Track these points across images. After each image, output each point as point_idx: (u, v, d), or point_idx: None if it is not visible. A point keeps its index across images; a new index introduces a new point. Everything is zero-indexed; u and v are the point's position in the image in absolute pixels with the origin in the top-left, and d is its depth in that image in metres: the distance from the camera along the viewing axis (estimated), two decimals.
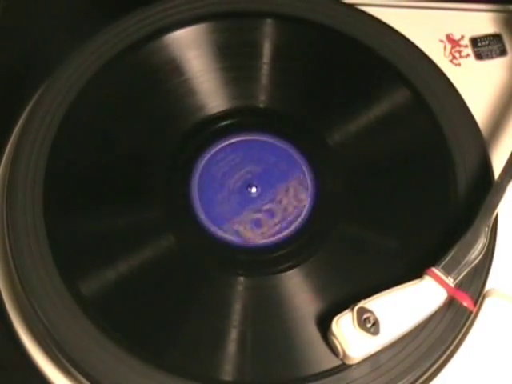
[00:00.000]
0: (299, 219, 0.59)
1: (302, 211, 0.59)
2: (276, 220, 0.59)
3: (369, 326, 0.50)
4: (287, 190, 0.60)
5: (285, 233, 0.58)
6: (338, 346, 0.51)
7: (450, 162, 0.59)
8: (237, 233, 0.58)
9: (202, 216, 0.59)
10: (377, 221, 0.58)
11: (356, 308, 0.51)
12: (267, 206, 0.59)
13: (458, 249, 0.52)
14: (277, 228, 0.58)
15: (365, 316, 0.50)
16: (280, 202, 0.59)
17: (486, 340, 0.56)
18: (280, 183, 0.60)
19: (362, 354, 0.51)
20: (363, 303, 0.51)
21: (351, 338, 0.50)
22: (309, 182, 0.60)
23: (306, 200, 0.59)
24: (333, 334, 0.51)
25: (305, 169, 0.60)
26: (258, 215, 0.59)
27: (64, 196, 0.58)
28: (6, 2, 0.64)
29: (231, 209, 0.59)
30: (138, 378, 0.52)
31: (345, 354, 0.51)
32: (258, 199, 0.59)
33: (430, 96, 0.62)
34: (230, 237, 0.58)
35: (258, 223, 0.58)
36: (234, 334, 0.54)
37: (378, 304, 0.51)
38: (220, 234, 0.58)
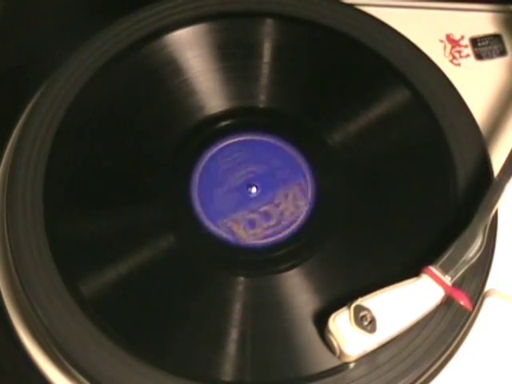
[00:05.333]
0: (294, 224, 0.58)
1: (297, 217, 0.59)
2: (271, 223, 0.58)
3: (365, 323, 0.50)
4: (287, 194, 0.59)
5: (284, 233, 0.58)
6: (335, 344, 0.51)
7: (449, 162, 0.59)
8: (230, 230, 0.58)
9: (202, 216, 0.59)
10: (376, 220, 0.58)
11: (353, 306, 0.51)
12: (264, 208, 0.59)
13: (456, 247, 0.52)
14: (270, 231, 0.58)
15: (361, 314, 0.50)
16: (278, 205, 0.59)
17: (486, 340, 0.56)
18: (280, 185, 0.60)
19: (358, 352, 0.50)
20: (360, 301, 0.51)
21: (348, 336, 0.50)
22: (308, 182, 0.60)
23: (303, 206, 0.59)
24: (329, 332, 0.51)
25: (305, 169, 0.60)
26: (254, 216, 0.59)
27: (64, 196, 0.58)
28: (6, 2, 0.65)
29: (229, 207, 0.59)
30: (138, 377, 0.52)
31: (341, 352, 0.51)
32: (257, 200, 0.59)
33: (430, 96, 0.61)
34: (229, 236, 0.58)
35: (251, 224, 0.58)
36: (234, 334, 0.54)
37: (375, 302, 0.51)
38: (220, 234, 0.58)
